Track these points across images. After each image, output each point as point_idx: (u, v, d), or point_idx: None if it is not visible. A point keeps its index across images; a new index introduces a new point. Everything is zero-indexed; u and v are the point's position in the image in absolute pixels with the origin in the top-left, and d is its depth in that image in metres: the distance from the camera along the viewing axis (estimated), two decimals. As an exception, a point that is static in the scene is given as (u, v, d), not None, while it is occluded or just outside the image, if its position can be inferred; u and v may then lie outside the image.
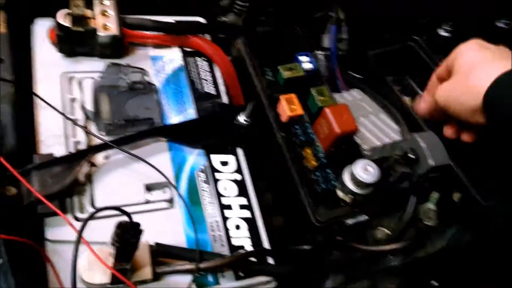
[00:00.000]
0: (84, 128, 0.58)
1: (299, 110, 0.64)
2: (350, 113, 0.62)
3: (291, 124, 0.65)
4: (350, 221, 0.60)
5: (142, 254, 0.48)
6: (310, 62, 0.70)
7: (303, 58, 0.69)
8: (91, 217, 0.41)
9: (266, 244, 0.58)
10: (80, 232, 0.38)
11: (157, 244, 0.50)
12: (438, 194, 0.67)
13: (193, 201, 0.57)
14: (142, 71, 0.63)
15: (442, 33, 0.83)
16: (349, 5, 0.85)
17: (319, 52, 0.89)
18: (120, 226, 0.38)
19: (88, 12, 0.63)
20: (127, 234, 0.39)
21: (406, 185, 0.64)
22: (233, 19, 0.85)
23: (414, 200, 0.64)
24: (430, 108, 0.65)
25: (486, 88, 0.53)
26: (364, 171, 0.58)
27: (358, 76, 0.87)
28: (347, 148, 0.65)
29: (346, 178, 0.59)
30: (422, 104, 0.66)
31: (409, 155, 0.60)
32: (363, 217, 0.60)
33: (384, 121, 0.73)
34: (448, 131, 0.64)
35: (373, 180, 0.57)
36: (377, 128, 0.71)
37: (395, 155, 0.62)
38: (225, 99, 0.68)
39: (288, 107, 0.65)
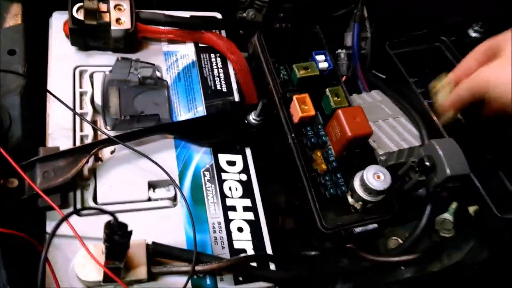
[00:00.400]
0: (91, 122, 0.58)
1: (311, 111, 0.62)
2: (364, 115, 0.60)
3: (303, 125, 0.63)
4: (358, 229, 0.57)
5: (138, 253, 0.48)
6: (326, 61, 0.67)
7: (319, 57, 0.67)
8: (65, 219, 0.40)
9: (268, 248, 0.56)
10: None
11: (154, 243, 0.49)
12: (456, 204, 0.63)
13: (196, 200, 0.56)
14: (153, 66, 0.63)
15: (473, 34, 0.78)
16: (373, 3, 0.82)
17: (341, 50, 0.86)
18: (107, 226, 0.38)
19: (102, 6, 0.63)
20: (115, 234, 0.38)
21: (422, 193, 0.61)
22: (252, 15, 0.83)
23: (429, 209, 0.60)
24: (464, 94, 0.61)
25: None
26: (376, 178, 0.55)
27: (381, 75, 0.84)
28: (360, 152, 0.62)
29: (357, 184, 0.56)
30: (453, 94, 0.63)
31: (425, 162, 0.57)
32: (373, 226, 0.58)
33: (404, 125, 0.70)
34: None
35: (384, 187, 0.55)
36: (395, 132, 0.68)
37: (411, 161, 0.59)
38: (237, 97, 0.66)
39: (300, 107, 0.62)
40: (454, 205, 0.64)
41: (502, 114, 0.59)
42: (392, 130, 0.68)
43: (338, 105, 0.64)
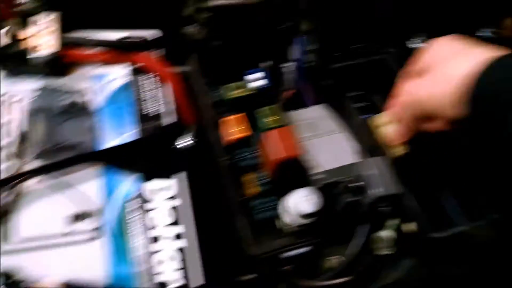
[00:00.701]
0: (15, 153, 0.56)
1: (242, 132, 0.61)
2: (293, 137, 0.59)
3: (236, 147, 0.62)
4: (291, 253, 0.56)
5: (51, 294, 0.46)
6: (262, 78, 0.66)
7: (255, 75, 0.66)
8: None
9: (201, 277, 0.55)
10: None
11: (67, 285, 0.47)
12: (394, 221, 0.62)
13: (121, 232, 0.55)
14: (80, 91, 0.61)
15: (411, 45, 0.78)
16: (317, 16, 0.81)
17: (289, 63, 0.85)
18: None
19: (26, 31, 0.61)
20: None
21: (359, 212, 0.60)
22: (196, 30, 0.82)
23: (363, 229, 0.59)
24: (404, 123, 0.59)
25: (474, 74, 0.47)
26: (305, 200, 0.54)
27: (328, 87, 0.83)
28: (295, 173, 0.61)
29: (287, 207, 0.55)
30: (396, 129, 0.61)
31: (356, 183, 0.56)
32: (305, 249, 0.56)
33: (345, 141, 0.68)
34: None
35: (312, 210, 0.54)
36: (335, 148, 0.67)
37: (343, 182, 0.58)
38: (171, 119, 0.65)
39: (232, 129, 0.61)
40: (391, 222, 0.63)
41: (445, 128, 0.57)
42: (332, 146, 0.67)
43: (273, 124, 0.63)
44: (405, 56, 0.79)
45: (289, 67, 0.84)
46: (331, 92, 0.74)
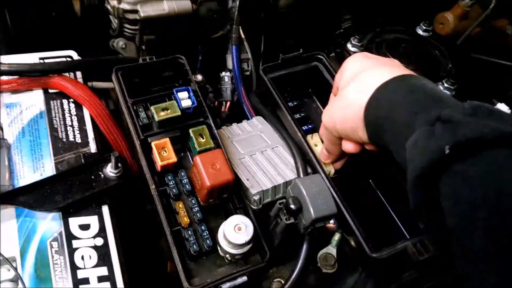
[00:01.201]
0: None
1: (171, 158, 0.57)
2: (225, 160, 0.55)
3: (166, 173, 0.58)
4: (226, 285, 0.53)
5: None
6: (189, 98, 0.62)
7: (181, 94, 0.61)
8: None
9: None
10: None
11: None
12: (339, 235, 0.61)
13: (42, 277, 0.50)
14: (-12, 124, 0.55)
15: (351, 48, 0.76)
16: (248, 23, 0.77)
17: (225, 73, 0.81)
18: None
19: None
20: None
21: (298, 233, 0.57)
22: (122, 44, 0.77)
23: (305, 248, 0.57)
24: (326, 144, 0.61)
25: (367, 101, 0.50)
26: (237, 230, 0.51)
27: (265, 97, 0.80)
28: (230, 197, 0.58)
29: (220, 237, 0.52)
30: (322, 150, 0.63)
31: (291, 205, 0.53)
32: (242, 279, 0.53)
33: (282, 156, 0.66)
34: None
35: (246, 240, 0.51)
36: (272, 165, 0.64)
37: (278, 203, 0.56)
38: (93, 147, 0.60)
39: (160, 154, 0.57)
40: (337, 237, 0.61)
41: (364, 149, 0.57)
42: (269, 163, 0.64)
43: (203, 146, 0.59)
44: (339, 58, 0.78)
45: (224, 77, 0.81)
46: (268, 102, 0.71)
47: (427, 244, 0.57)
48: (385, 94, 0.49)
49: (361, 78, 0.53)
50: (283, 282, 0.60)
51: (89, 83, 0.73)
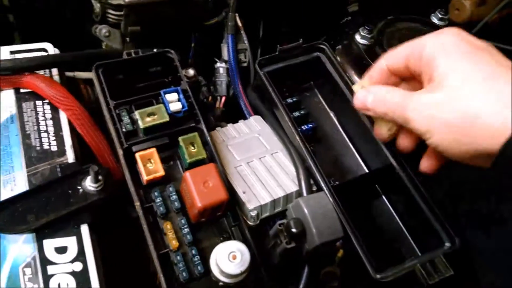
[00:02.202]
0: None
1: (158, 171, 0.51)
2: (218, 177, 0.49)
3: (152, 188, 0.52)
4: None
5: None
6: (179, 100, 0.55)
7: (170, 97, 0.55)
8: None
9: None
10: None
11: None
12: (342, 252, 0.55)
13: (14, 309, 0.45)
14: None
15: (360, 40, 0.68)
16: (246, 10, 0.70)
17: (220, 64, 0.74)
18: None
19: None
20: None
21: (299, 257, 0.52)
22: (106, 32, 0.69)
23: (307, 271, 0.52)
24: (380, 107, 0.48)
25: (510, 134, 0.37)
26: (231, 258, 0.45)
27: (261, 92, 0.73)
28: (225, 215, 0.52)
29: (213, 265, 0.47)
30: (368, 97, 0.49)
31: (292, 229, 0.47)
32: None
33: (282, 163, 0.60)
34: (404, 143, 0.50)
35: (241, 270, 0.45)
36: (271, 174, 0.58)
37: (278, 224, 0.50)
38: (71, 156, 0.54)
39: (145, 167, 0.51)
40: (340, 254, 0.56)
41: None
42: (268, 172, 0.58)
43: (194, 157, 0.53)
44: (347, 51, 0.70)
45: (219, 69, 0.74)
46: (265, 98, 0.64)
47: (437, 264, 0.53)
48: None
49: (501, 90, 0.39)
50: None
51: (71, 73, 0.67)
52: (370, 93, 0.49)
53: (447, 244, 0.53)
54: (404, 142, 0.51)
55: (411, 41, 0.47)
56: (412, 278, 0.51)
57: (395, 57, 0.49)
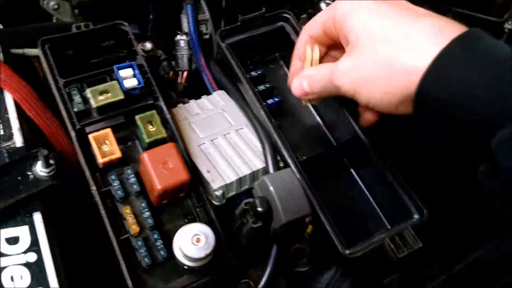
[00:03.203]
0: None
1: (114, 153, 0.48)
2: (178, 156, 0.46)
3: (109, 171, 0.49)
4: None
5: None
6: (134, 76, 0.51)
7: (124, 73, 0.51)
8: None
9: None
10: None
11: None
12: (311, 228, 0.54)
13: (-39, 307, 0.42)
14: None
15: (325, 7, 0.66)
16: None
17: (180, 37, 0.70)
18: None
19: None
20: None
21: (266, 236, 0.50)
22: (54, 4, 0.64)
23: (274, 253, 0.50)
24: (316, 87, 0.49)
25: (423, 73, 0.38)
26: (195, 241, 0.44)
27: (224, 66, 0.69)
28: (188, 195, 0.50)
29: (176, 249, 0.45)
30: (303, 82, 0.50)
31: (258, 208, 0.46)
32: (205, 289, 0.47)
33: (247, 139, 0.57)
34: (365, 117, 0.50)
35: (205, 253, 0.43)
36: (236, 152, 0.56)
37: (244, 204, 0.48)
38: (19, 141, 0.50)
39: (100, 149, 0.48)
40: (309, 230, 0.55)
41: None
42: (233, 149, 0.56)
43: (153, 137, 0.50)
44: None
45: (180, 41, 0.70)
46: (228, 72, 0.61)
47: (406, 237, 0.52)
48: (450, 66, 0.37)
49: (408, 33, 0.40)
50: (251, 283, 0.55)
51: (20, 50, 0.62)
52: (303, 78, 0.50)
53: (416, 216, 0.53)
54: (365, 117, 0.51)
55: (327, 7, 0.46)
56: (381, 252, 0.51)
57: (314, 26, 0.51)
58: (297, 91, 0.50)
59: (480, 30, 0.39)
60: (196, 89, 0.68)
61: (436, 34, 0.39)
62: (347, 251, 0.48)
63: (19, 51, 0.62)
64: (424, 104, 0.39)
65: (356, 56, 0.44)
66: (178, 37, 0.70)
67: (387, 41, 0.41)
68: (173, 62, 0.70)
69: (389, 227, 0.55)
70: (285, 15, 0.63)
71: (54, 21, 0.66)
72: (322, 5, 0.66)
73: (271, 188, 0.46)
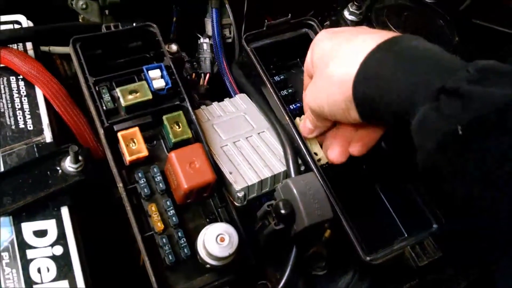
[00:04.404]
0: None
1: (141, 151, 0.49)
2: (205, 157, 0.47)
3: (135, 168, 0.50)
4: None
5: None
6: (162, 77, 0.53)
7: (153, 73, 0.52)
8: None
9: None
10: None
11: None
12: (329, 232, 0.55)
13: (-9, 295, 0.43)
14: None
15: (348, 16, 0.66)
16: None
17: (204, 40, 0.71)
18: None
19: None
20: None
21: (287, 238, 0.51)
22: (83, 4, 0.65)
23: (293, 255, 0.51)
24: (311, 119, 0.54)
25: (354, 75, 0.43)
26: (219, 241, 0.44)
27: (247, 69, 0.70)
28: (211, 195, 0.51)
29: (200, 247, 0.45)
30: (304, 123, 0.56)
31: (281, 210, 0.46)
32: (226, 289, 0.48)
33: (269, 142, 0.58)
34: (334, 152, 0.53)
35: (229, 252, 0.44)
36: (257, 154, 0.57)
37: (266, 205, 0.49)
38: (48, 136, 0.51)
39: (128, 147, 0.49)
40: (327, 234, 0.56)
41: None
42: (255, 151, 0.57)
43: (179, 137, 0.51)
44: (335, 27, 0.68)
45: (203, 44, 0.71)
46: (251, 75, 0.62)
47: (426, 246, 0.53)
48: (373, 67, 0.42)
49: (343, 51, 0.45)
50: (268, 285, 0.55)
51: (46, 48, 0.63)
52: (302, 119, 0.57)
53: (435, 226, 0.53)
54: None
55: None
56: (400, 260, 0.51)
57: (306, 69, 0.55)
58: (304, 131, 0.56)
59: (408, 36, 0.44)
60: (217, 91, 0.69)
61: (367, 46, 0.43)
62: (368, 258, 0.49)
63: (45, 48, 0.64)
64: (363, 104, 0.44)
65: (314, 80, 0.50)
66: (202, 40, 0.71)
67: (330, 59, 0.46)
68: (195, 64, 0.71)
69: (406, 235, 0.56)
70: (309, 22, 0.64)
71: (80, 20, 0.67)
72: (346, 12, 0.67)
73: (295, 191, 0.47)
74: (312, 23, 0.64)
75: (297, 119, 0.58)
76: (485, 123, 0.34)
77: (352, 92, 0.44)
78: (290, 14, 0.63)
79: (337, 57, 0.46)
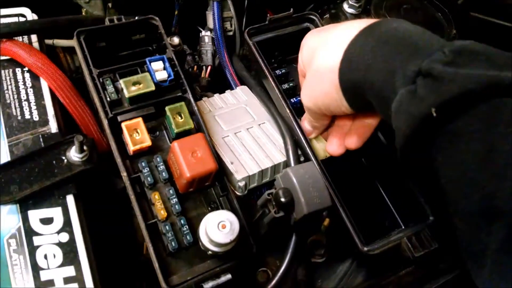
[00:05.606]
0: None
1: (144, 141, 0.50)
2: (207, 146, 0.49)
3: (139, 158, 0.51)
4: (210, 284, 0.48)
5: None
6: (165, 69, 0.54)
7: (155, 65, 0.53)
8: None
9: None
10: None
11: None
12: (328, 220, 0.56)
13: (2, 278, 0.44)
14: None
15: (348, 9, 0.67)
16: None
17: (205, 33, 0.72)
18: None
19: None
20: None
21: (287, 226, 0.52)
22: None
23: (293, 243, 0.52)
24: (308, 120, 0.56)
25: (336, 67, 0.44)
26: (221, 227, 0.46)
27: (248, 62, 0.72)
28: (213, 185, 0.52)
29: (202, 234, 0.47)
30: (303, 124, 0.58)
31: (281, 198, 0.48)
32: (226, 277, 0.49)
33: (269, 133, 0.59)
34: (332, 144, 0.55)
35: (230, 239, 0.45)
36: (258, 145, 0.58)
37: (266, 194, 0.50)
38: (54, 126, 0.52)
39: (132, 137, 0.50)
40: (326, 223, 0.57)
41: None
42: (255, 142, 0.58)
43: (181, 127, 0.52)
44: (334, 20, 0.70)
45: (204, 37, 0.72)
46: (252, 68, 0.63)
47: (423, 237, 0.54)
48: (355, 53, 0.43)
49: (328, 42, 0.46)
50: (269, 272, 0.57)
51: (50, 41, 0.64)
52: (302, 120, 0.57)
53: (431, 218, 0.54)
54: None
55: None
56: (397, 251, 0.52)
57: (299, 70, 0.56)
58: (307, 131, 0.56)
59: (390, 19, 0.45)
60: (219, 83, 0.70)
61: (350, 33, 0.44)
62: (366, 248, 0.50)
63: (49, 41, 0.65)
64: (349, 91, 0.44)
65: (306, 78, 0.51)
66: (203, 33, 0.72)
67: (317, 53, 0.47)
68: (197, 57, 0.73)
69: (403, 226, 0.57)
70: (311, 16, 0.64)
71: (83, 13, 0.68)
72: (345, 5, 0.68)
73: (294, 180, 0.48)
74: (314, 17, 0.65)
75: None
76: (455, 105, 0.34)
77: (338, 80, 0.44)
78: (292, 8, 0.64)
79: (323, 49, 0.47)
